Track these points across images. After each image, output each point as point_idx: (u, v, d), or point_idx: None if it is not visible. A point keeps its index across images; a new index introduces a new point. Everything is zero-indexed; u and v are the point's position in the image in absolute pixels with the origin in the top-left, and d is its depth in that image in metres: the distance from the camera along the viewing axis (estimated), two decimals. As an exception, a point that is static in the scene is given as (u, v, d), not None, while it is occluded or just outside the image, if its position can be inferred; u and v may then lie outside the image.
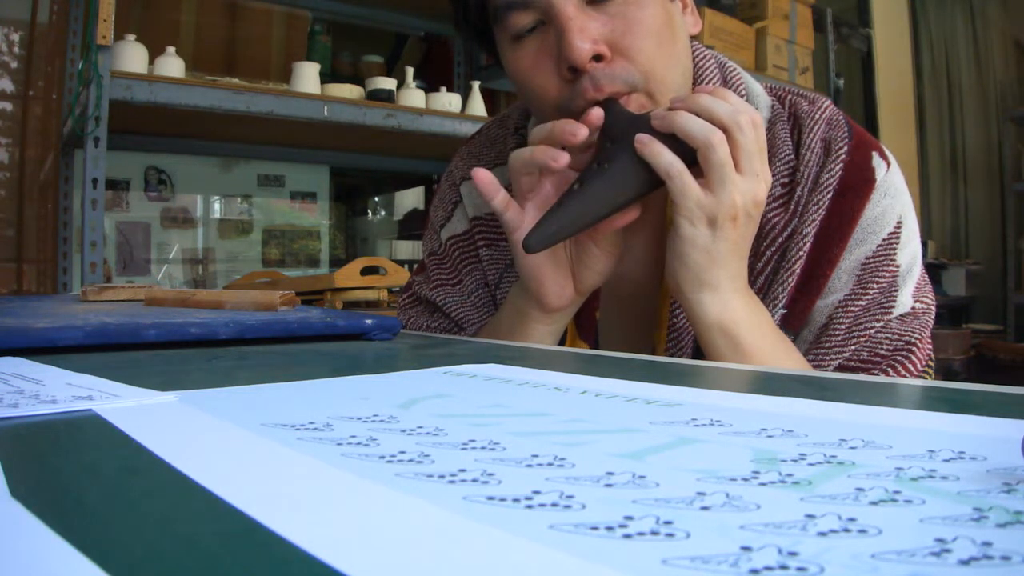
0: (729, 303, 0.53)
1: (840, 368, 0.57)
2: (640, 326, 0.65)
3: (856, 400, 0.29)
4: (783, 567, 0.13)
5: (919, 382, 0.41)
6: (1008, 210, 3.58)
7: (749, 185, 0.51)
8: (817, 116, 0.61)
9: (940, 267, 3.54)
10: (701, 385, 0.34)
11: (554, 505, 0.16)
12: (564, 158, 0.51)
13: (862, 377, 0.39)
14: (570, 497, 0.17)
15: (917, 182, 3.74)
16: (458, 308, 0.71)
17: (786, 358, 0.55)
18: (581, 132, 0.51)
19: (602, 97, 0.54)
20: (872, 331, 0.57)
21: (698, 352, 0.59)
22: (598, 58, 0.54)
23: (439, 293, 0.72)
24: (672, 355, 0.61)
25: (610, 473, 0.19)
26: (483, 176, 0.54)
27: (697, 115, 0.50)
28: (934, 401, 0.32)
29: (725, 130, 0.50)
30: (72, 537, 0.14)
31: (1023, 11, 3.64)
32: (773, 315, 0.57)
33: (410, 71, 2.02)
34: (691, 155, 0.50)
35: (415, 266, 0.81)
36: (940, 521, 0.15)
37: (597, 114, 0.52)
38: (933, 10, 3.85)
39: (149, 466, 0.20)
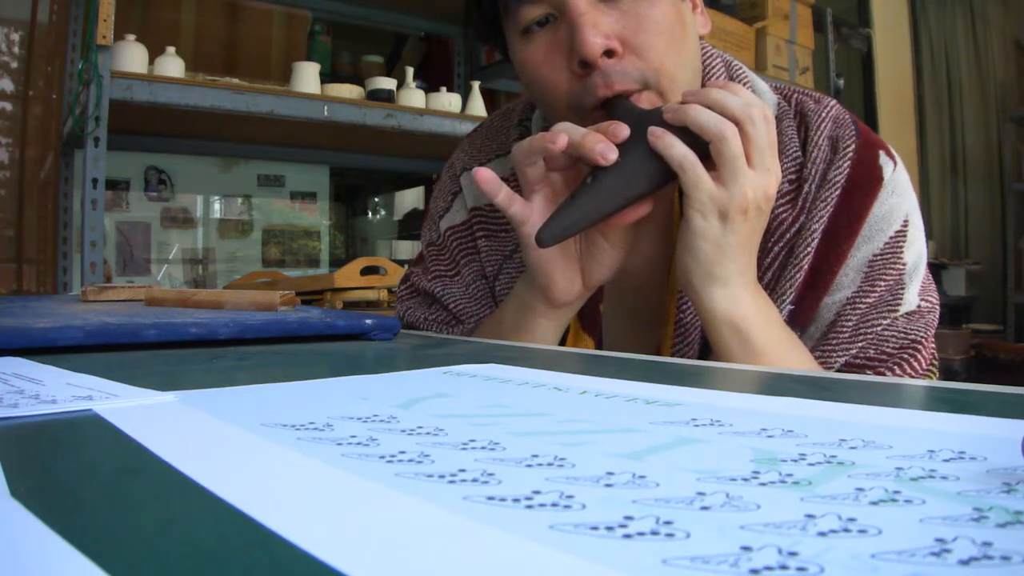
0: (738, 298, 0.53)
1: (846, 365, 0.57)
2: (646, 322, 0.65)
3: (856, 400, 0.29)
4: (783, 567, 0.13)
5: (919, 382, 0.41)
6: (1008, 210, 3.57)
7: (760, 179, 0.51)
8: (824, 114, 0.61)
9: (940, 267, 3.54)
10: (701, 385, 0.34)
11: (554, 505, 0.16)
12: (562, 140, 0.50)
13: (862, 377, 0.39)
14: (570, 497, 0.17)
15: (917, 182, 3.73)
16: (457, 300, 0.71)
17: (793, 354, 0.55)
18: (611, 152, 0.50)
19: (612, 93, 0.54)
20: (879, 329, 0.58)
21: (705, 349, 0.59)
22: (609, 54, 0.54)
23: (437, 284, 0.72)
24: (679, 351, 0.61)
25: (610, 473, 0.19)
26: (484, 174, 0.54)
27: (709, 108, 0.50)
28: (934, 401, 0.32)
29: (737, 123, 0.50)
30: (72, 537, 0.14)
31: (1023, 11, 3.64)
32: (780, 311, 0.58)
33: (410, 71, 2.02)
34: (702, 149, 0.50)
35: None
36: (940, 521, 0.15)
37: (621, 129, 0.51)
38: (933, 10, 3.85)
39: (149, 466, 0.20)
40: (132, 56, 1.56)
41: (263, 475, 0.19)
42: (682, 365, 0.44)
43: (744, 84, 0.63)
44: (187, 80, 1.61)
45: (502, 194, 0.54)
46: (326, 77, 1.91)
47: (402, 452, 0.21)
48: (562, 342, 0.62)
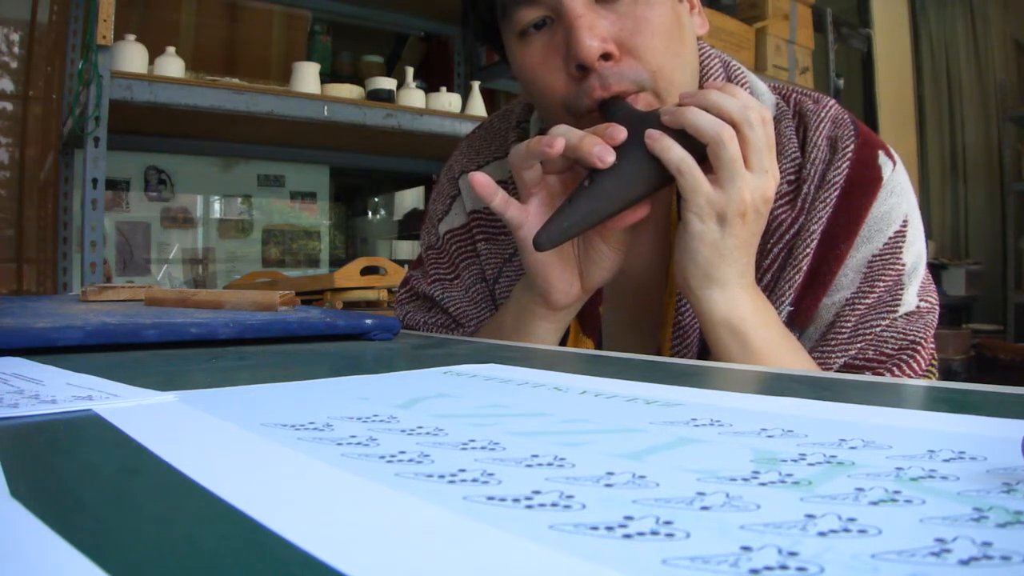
0: (737, 300, 0.53)
1: (845, 366, 0.57)
2: (645, 323, 0.65)
3: (856, 400, 0.29)
4: (783, 567, 0.13)
5: (918, 382, 0.41)
6: (1008, 210, 3.58)
7: (758, 181, 0.51)
8: (822, 114, 0.61)
9: (940, 267, 3.54)
10: (701, 385, 0.34)
11: (554, 505, 0.16)
12: (559, 143, 0.50)
13: (862, 377, 0.39)
14: (570, 497, 0.17)
15: (917, 182, 3.73)
16: (456, 304, 0.71)
17: (792, 356, 0.55)
18: (608, 155, 0.50)
19: (609, 95, 0.54)
20: (878, 329, 0.58)
21: (704, 350, 0.59)
22: (607, 57, 0.54)
23: (437, 288, 0.72)
24: (678, 353, 0.61)
25: (610, 473, 0.19)
26: (480, 179, 0.54)
27: (706, 111, 0.50)
28: (934, 401, 0.32)
29: (734, 126, 0.50)
30: (72, 537, 0.14)
31: (1023, 11, 3.64)
32: (780, 312, 0.57)
33: (410, 71, 2.02)
34: (700, 152, 0.50)
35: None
36: (940, 521, 0.15)
37: (619, 132, 0.50)
38: (933, 10, 3.85)
39: (149, 466, 0.20)
40: (132, 56, 1.56)
41: (263, 475, 0.19)
42: (682, 365, 0.44)
43: (742, 85, 0.63)
44: (187, 80, 1.61)
45: (497, 198, 0.54)
46: (326, 77, 1.91)
47: (402, 452, 0.21)
48: (562, 344, 0.62)
